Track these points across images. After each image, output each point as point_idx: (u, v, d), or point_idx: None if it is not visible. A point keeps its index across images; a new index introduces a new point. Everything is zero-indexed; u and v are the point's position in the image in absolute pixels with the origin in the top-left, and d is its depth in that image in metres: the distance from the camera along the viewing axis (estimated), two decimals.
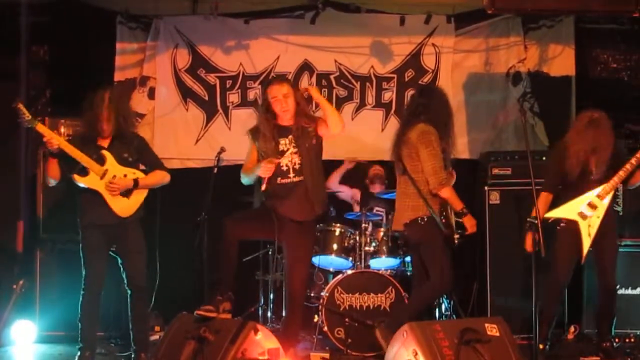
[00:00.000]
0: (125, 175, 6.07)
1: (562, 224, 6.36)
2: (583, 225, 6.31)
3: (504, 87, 8.53)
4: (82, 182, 5.99)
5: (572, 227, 6.29)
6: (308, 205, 6.02)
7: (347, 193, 8.15)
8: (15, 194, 6.60)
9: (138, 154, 6.23)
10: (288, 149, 6.02)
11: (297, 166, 6.00)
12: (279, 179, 5.99)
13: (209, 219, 6.77)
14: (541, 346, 6.22)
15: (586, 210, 6.29)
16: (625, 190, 7.24)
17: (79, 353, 6.05)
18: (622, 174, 6.24)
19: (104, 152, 6.05)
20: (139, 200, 6.18)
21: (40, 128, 5.87)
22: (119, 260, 6.15)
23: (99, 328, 6.24)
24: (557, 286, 6.44)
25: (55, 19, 8.23)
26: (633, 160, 6.21)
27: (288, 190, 5.99)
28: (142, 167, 6.28)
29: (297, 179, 6.00)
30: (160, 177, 6.30)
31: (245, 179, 6.20)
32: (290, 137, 6.04)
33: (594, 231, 6.29)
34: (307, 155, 6.00)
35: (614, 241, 6.54)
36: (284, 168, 6.00)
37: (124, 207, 6.09)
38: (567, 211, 6.32)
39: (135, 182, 6.10)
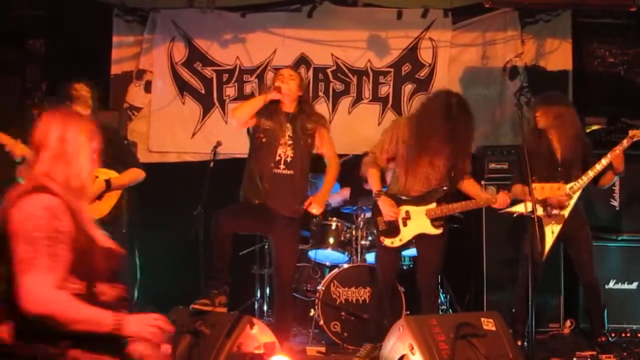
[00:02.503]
0: (96, 177, 5.93)
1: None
2: (547, 222, 6.29)
3: (501, 81, 8.53)
4: None
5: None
6: (296, 201, 6.02)
7: (338, 198, 8.01)
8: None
9: (110, 153, 6.11)
10: (285, 135, 5.99)
11: (289, 159, 5.97)
12: (272, 165, 5.96)
13: (205, 212, 6.76)
14: (519, 342, 6.21)
15: (552, 208, 6.26)
16: (622, 184, 7.24)
17: None
18: (591, 174, 6.20)
19: None
20: (112, 201, 6.06)
21: (2, 138, 5.73)
22: None
23: None
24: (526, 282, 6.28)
25: (52, 12, 8.22)
26: (603, 161, 6.17)
27: (279, 181, 5.95)
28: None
29: (287, 171, 5.97)
30: (134, 176, 6.18)
31: (242, 113, 6.04)
32: (288, 124, 6.01)
33: (557, 229, 6.25)
34: (299, 151, 5.99)
35: (588, 235, 6.44)
36: (277, 157, 5.97)
37: (97, 208, 5.96)
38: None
39: (107, 183, 5.97)
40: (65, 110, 3.41)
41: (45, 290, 2.87)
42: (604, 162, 6.17)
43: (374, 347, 5.95)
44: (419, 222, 6.03)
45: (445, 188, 6.04)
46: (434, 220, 6.02)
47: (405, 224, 6.05)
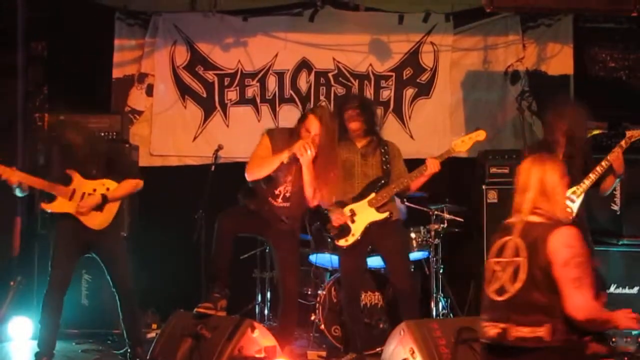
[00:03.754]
0: (94, 190, 5.99)
1: None
2: None
3: (502, 85, 8.53)
4: (50, 209, 5.96)
5: None
6: (292, 221, 6.07)
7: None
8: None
9: (107, 166, 6.13)
10: (291, 174, 5.96)
11: (288, 194, 5.98)
12: (270, 198, 5.98)
13: (207, 216, 6.76)
14: None
15: None
16: (622, 189, 7.24)
17: (33, 359, 5.94)
18: (592, 176, 6.21)
19: (69, 171, 5.95)
20: (113, 211, 6.09)
21: None
22: (102, 265, 6.12)
23: (58, 332, 6.08)
24: None
25: (54, 15, 8.23)
26: (603, 163, 6.19)
27: (276, 209, 5.99)
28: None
29: (284, 204, 6.00)
30: (132, 187, 6.19)
31: (256, 174, 5.96)
32: (295, 165, 5.95)
33: None
34: (299, 187, 5.95)
35: (590, 242, 6.48)
36: (277, 192, 5.99)
37: (98, 221, 6.02)
38: None
39: (104, 197, 5.99)
40: (541, 156, 4.08)
41: (590, 302, 3.70)
42: (604, 164, 6.18)
43: (360, 356, 6.06)
44: (365, 214, 6.22)
45: (383, 181, 6.25)
46: (379, 208, 6.22)
47: (353, 221, 6.23)
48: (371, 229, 6.22)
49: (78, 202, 5.93)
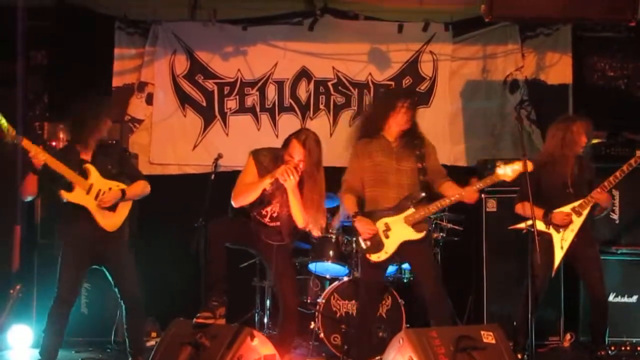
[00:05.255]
0: (110, 189, 6.01)
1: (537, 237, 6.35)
2: (556, 239, 6.33)
3: (502, 94, 8.55)
4: (68, 198, 5.89)
5: (545, 239, 6.26)
6: (283, 237, 6.06)
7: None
8: (12, 199, 6.59)
9: (120, 165, 6.17)
10: (281, 196, 5.96)
11: (274, 214, 6.01)
12: (258, 217, 6.02)
13: (206, 224, 6.77)
14: (520, 355, 6.24)
15: (557, 226, 6.33)
16: (622, 198, 7.26)
17: None
18: (600, 190, 6.27)
19: (87, 165, 5.96)
20: (124, 214, 6.13)
21: (26, 144, 5.69)
22: (109, 276, 6.11)
23: (62, 342, 6.08)
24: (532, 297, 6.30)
25: (54, 24, 8.26)
26: (611, 179, 6.26)
27: (264, 227, 6.03)
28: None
29: (272, 223, 6.03)
30: (142, 188, 6.25)
31: (242, 201, 5.97)
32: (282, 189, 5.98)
33: (566, 245, 6.31)
34: (285, 205, 5.96)
35: (597, 253, 6.52)
36: (264, 213, 6.02)
37: (111, 221, 6.03)
38: (541, 223, 6.29)
39: (123, 192, 6.02)
40: None
41: None
42: (612, 180, 6.27)
43: None
44: (400, 230, 5.96)
45: (420, 193, 6.00)
46: (415, 226, 5.96)
47: (387, 236, 5.97)
48: (403, 246, 5.99)
49: (94, 198, 5.91)
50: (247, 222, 6.03)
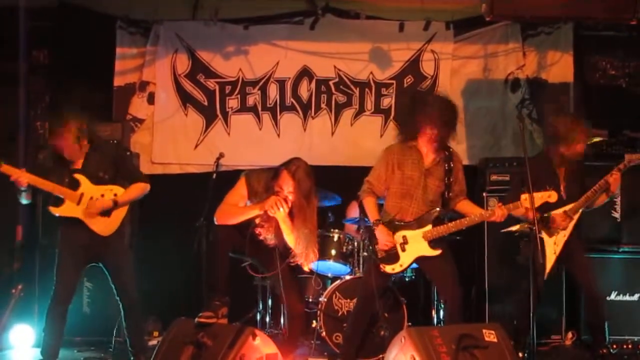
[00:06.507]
0: (102, 195, 6.01)
1: (525, 239, 6.35)
2: (549, 242, 6.33)
3: (503, 93, 8.55)
4: (58, 212, 5.96)
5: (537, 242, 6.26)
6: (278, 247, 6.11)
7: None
8: (14, 199, 6.60)
9: (114, 169, 6.16)
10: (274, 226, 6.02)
11: (268, 236, 6.06)
12: (256, 239, 6.06)
13: (208, 223, 6.77)
14: (521, 354, 6.24)
15: (554, 228, 6.33)
16: (623, 196, 7.26)
17: None
18: (590, 194, 6.28)
19: (77, 175, 5.98)
20: (120, 217, 6.13)
21: (6, 169, 5.73)
22: (106, 273, 6.13)
23: (62, 342, 6.14)
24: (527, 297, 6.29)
25: (56, 24, 8.27)
26: (602, 183, 6.25)
27: (264, 246, 6.09)
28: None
29: (271, 243, 6.09)
30: (140, 190, 6.24)
31: (224, 221, 5.97)
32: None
33: (558, 249, 6.31)
34: (278, 232, 6.00)
35: (585, 256, 6.55)
36: (257, 232, 6.06)
37: (105, 226, 6.04)
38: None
39: (114, 202, 6.03)
40: None
41: None
42: (602, 184, 6.27)
43: None
44: (416, 245, 6.01)
45: (438, 209, 6.04)
46: (432, 242, 6.00)
47: (403, 249, 6.02)
48: (418, 260, 6.06)
49: (86, 207, 5.94)
50: (252, 233, 6.05)
